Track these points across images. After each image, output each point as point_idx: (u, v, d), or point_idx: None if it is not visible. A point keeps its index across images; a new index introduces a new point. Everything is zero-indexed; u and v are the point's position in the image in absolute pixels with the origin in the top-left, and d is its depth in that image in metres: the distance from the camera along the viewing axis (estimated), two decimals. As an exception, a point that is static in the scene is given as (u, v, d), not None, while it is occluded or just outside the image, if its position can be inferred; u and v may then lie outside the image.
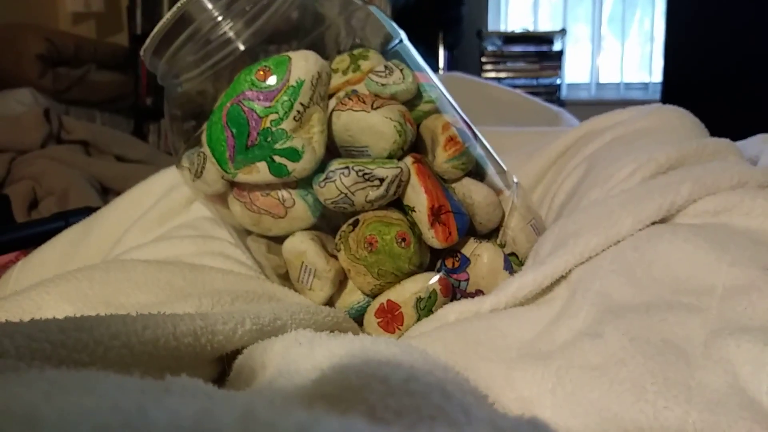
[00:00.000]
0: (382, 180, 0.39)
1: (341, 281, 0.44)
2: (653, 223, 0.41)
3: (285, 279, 0.46)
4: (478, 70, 2.65)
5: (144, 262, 0.40)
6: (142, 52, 0.43)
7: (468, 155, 0.44)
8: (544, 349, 0.35)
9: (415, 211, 0.41)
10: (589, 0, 3.01)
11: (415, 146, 0.43)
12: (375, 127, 0.39)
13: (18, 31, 2.27)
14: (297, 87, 0.37)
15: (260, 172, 0.38)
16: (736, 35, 2.02)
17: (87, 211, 0.80)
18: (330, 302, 0.44)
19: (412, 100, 0.43)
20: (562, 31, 2.73)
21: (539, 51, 2.68)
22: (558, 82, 2.69)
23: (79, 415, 0.12)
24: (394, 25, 0.46)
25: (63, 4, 2.91)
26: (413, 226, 0.41)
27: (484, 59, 2.69)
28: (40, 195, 1.23)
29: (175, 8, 0.41)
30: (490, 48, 2.70)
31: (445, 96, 0.46)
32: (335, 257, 0.43)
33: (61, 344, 0.23)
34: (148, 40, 0.43)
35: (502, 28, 3.04)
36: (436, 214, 0.40)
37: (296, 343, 0.28)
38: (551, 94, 2.66)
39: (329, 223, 0.44)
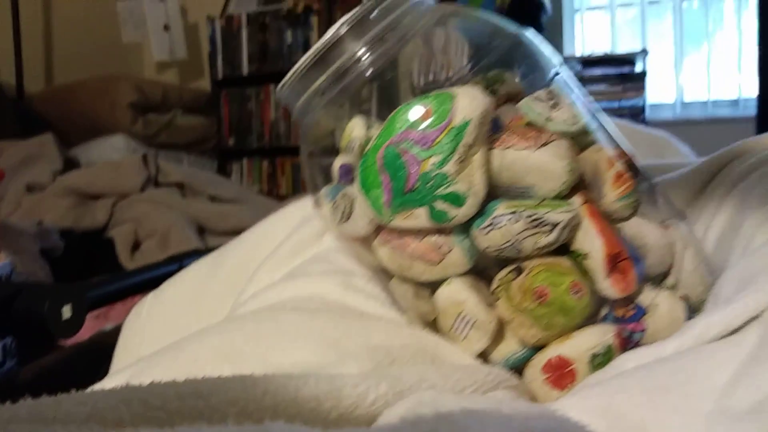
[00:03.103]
0: (554, 225, 0.35)
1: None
2: None
3: (431, 326, 0.43)
4: (556, 96, 2.60)
5: (294, 312, 0.38)
6: (279, 89, 0.42)
7: (636, 195, 0.40)
8: (745, 406, 0.30)
9: (588, 257, 0.37)
10: (669, 17, 2.92)
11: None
12: (543, 166, 0.35)
13: (111, 82, 2.40)
14: (461, 128, 0.34)
15: (419, 218, 0.35)
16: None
17: (197, 254, 0.80)
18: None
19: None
20: (643, 52, 2.65)
21: (621, 73, 2.60)
22: (641, 103, 2.60)
23: None
24: (550, 51, 0.43)
25: (149, 54, 3.06)
26: (585, 274, 0.37)
27: (562, 84, 2.63)
28: (142, 236, 1.26)
29: (316, 46, 0.39)
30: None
31: (602, 124, 0.43)
32: (493, 306, 0.39)
33: (176, 412, 0.23)
34: (286, 78, 0.41)
35: (579, 52, 2.97)
36: (613, 262, 0.36)
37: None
38: (635, 115, 2.56)
39: (476, 266, 0.40)
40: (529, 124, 0.37)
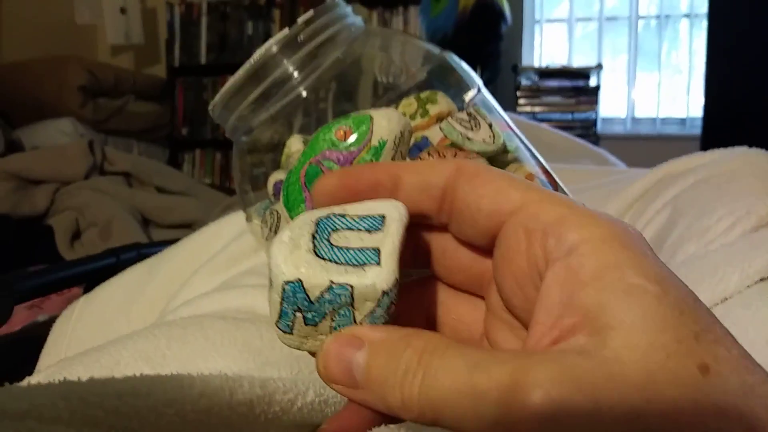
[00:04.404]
0: None
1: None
2: (762, 280, 0.39)
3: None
4: (513, 104, 2.64)
5: (221, 320, 0.38)
6: (210, 108, 0.42)
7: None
8: None
9: None
10: (624, 33, 3.00)
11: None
12: None
13: (60, 63, 2.33)
14: (379, 147, 0.35)
15: None
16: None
17: (136, 247, 0.79)
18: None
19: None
20: (599, 66, 2.72)
21: (575, 86, 2.66)
22: (594, 116, 2.67)
23: None
24: (472, 73, 0.44)
25: (103, 37, 2.98)
26: None
27: (519, 93, 2.68)
28: (83, 226, 1.23)
29: (247, 65, 0.39)
30: (525, 82, 2.69)
31: (524, 143, 0.44)
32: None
33: (114, 411, 0.23)
34: (218, 96, 0.41)
35: (536, 63, 3.03)
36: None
37: None
38: (587, 128, 2.63)
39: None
40: (453, 144, 0.39)
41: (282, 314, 0.19)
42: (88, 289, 0.68)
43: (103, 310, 0.57)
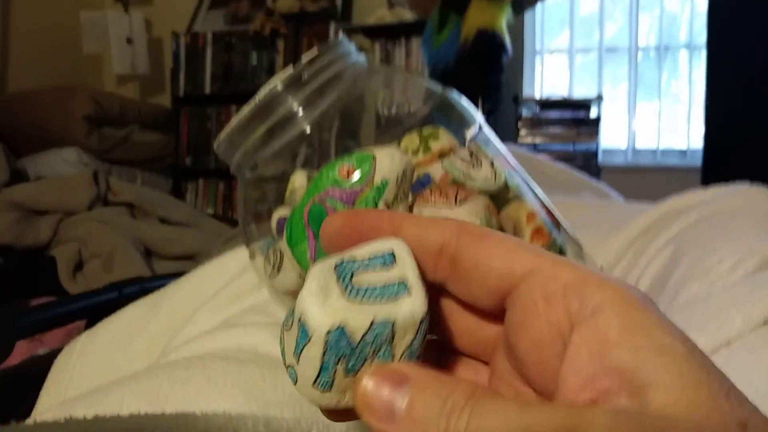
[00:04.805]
0: None
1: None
2: (765, 323, 0.38)
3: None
4: (514, 135, 2.66)
5: (223, 361, 0.38)
6: (215, 146, 0.42)
7: (554, 247, 0.41)
8: None
9: None
10: (624, 63, 3.03)
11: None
12: None
13: (67, 93, 2.36)
14: (382, 187, 0.35)
15: None
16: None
17: (139, 282, 0.79)
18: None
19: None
20: (599, 98, 2.74)
21: (576, 117, 2.68)
22: (595, 147, 2.68)
23: None
24: (473, 110, 0.45)
25: (110, 67, 3.02)
26: None
27: (520, 124, 2.70)
28: (86, 257, 1.23)
29: (252, 103, 0.40)
30: (526, 113, 2.71)
31: (525, 181, 0.44)
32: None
33: None
34: (223, 134, 0.42)
35: (537, 93, 3.06)
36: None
37: None
38: (588, 159, 2.64)
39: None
40: (455, 181, 0.39)
41: (322, 369, 0.19)
42: (90, 323, 0.68)
43: (106, 345, 0.57)
